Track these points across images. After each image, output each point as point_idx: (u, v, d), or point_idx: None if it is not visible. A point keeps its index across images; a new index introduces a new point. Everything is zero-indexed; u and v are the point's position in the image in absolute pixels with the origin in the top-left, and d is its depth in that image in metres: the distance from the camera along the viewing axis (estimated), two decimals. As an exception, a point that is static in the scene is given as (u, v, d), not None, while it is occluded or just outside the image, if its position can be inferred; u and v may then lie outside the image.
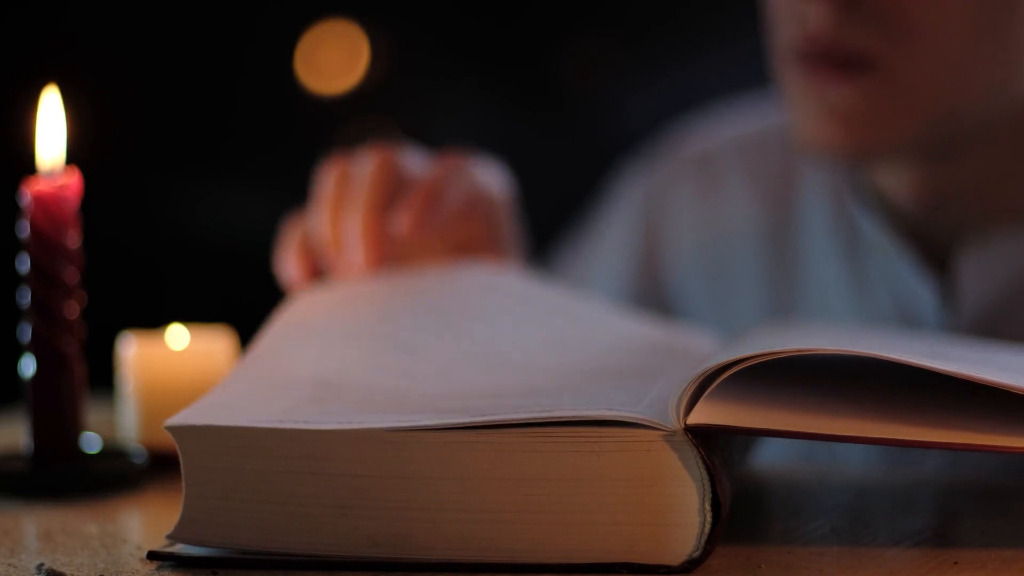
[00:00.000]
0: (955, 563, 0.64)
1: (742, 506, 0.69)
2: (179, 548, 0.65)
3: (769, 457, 0.91)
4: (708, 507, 0.62)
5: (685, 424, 0.62)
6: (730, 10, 1.98)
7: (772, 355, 0.63)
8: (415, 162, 0.94)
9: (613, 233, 1.22)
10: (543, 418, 0.62)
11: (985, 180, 1.02)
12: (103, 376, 0.92)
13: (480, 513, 0.62)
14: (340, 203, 0.92)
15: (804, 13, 0.96)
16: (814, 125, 0.98)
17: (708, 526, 0.62)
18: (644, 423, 0.62)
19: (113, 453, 0.83)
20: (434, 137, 2.18)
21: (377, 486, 0.63)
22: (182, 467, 0.64)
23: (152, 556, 0.64)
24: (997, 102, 0.98)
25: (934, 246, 1.04)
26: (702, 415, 0.62)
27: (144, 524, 0.75)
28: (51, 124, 0.81)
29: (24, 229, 0.79)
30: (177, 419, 0.65)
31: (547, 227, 1.97)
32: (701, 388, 0.63)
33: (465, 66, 2.18)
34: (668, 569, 0.62)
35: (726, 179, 1.16)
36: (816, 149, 0.99)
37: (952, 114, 0.98)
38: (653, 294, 1.17)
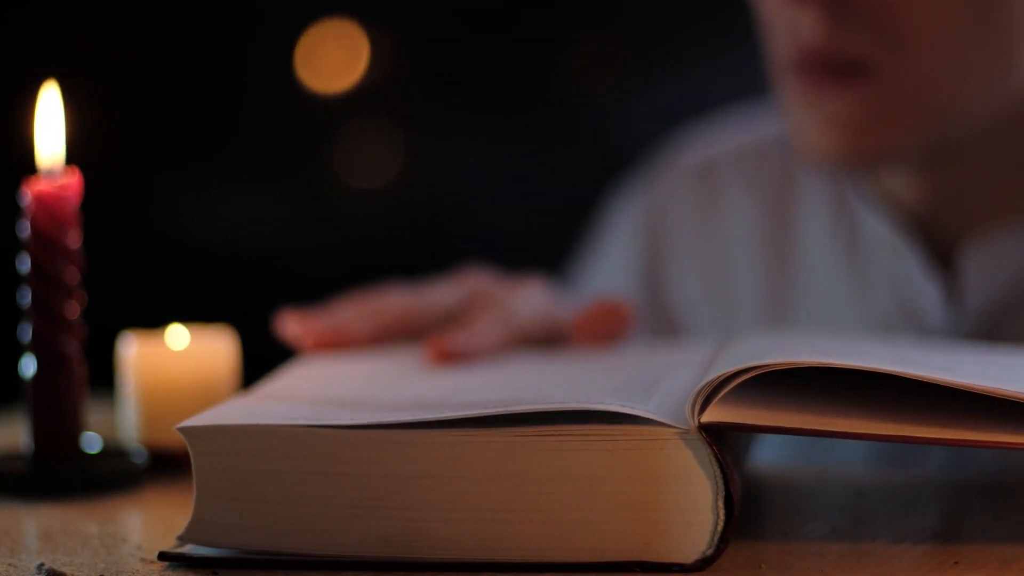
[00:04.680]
0: (955, 563, 0.64)
1: (742, 506, 0.69)
2: (189, 548, 0.64)
3: (769, 457, 0.91)
4: (721, 505, 0.62)
5: (699, 422, 0.62)
6: (725, 21, 1.98)
7: (791, 365, 0.63)
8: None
9: (614, 252, 1.21)
10: (556, 409, 0.62)
11: (989, 178, 1.01)
12: (103, 376, 0.91)
13: (493, 512, 0.62)
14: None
15: (796, 23, 0.96)
16: (815, 134, 0.97)
17: (721, 524, 0.62)
18: (658, 421, 0.62)
19: (113, 453, 0.83)
20: (433, 137, 2.19)
21: (390, 485, 0.63)
22: (193, 468, 0.64)
23: (163, 557, 0.64)
24: (995, 100, 0.98)
25: (939, 243, 1.03)
26: (716, 414, 0.62)
27: (144, 524, 0.75)
28: (50, 120, 0.81)
29: (24, 229, 0.78)
30: (189, 422, 0.65)
31: (547, 230, 1.97)
32: (715, 390, 0.63)
33: (465, 67, 2.18)
34: (681, 567, 0.62)
35: (725, 188, 1.16)
36: (819, 158, 0.98)
37: (950, 115, 0.97)
38: (658, 310, 1.17)
